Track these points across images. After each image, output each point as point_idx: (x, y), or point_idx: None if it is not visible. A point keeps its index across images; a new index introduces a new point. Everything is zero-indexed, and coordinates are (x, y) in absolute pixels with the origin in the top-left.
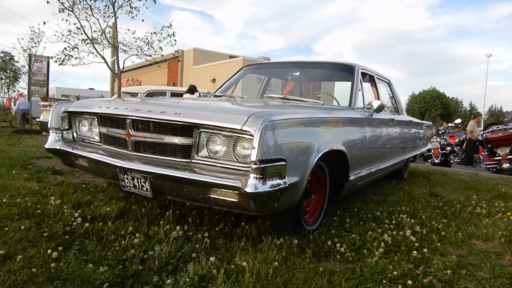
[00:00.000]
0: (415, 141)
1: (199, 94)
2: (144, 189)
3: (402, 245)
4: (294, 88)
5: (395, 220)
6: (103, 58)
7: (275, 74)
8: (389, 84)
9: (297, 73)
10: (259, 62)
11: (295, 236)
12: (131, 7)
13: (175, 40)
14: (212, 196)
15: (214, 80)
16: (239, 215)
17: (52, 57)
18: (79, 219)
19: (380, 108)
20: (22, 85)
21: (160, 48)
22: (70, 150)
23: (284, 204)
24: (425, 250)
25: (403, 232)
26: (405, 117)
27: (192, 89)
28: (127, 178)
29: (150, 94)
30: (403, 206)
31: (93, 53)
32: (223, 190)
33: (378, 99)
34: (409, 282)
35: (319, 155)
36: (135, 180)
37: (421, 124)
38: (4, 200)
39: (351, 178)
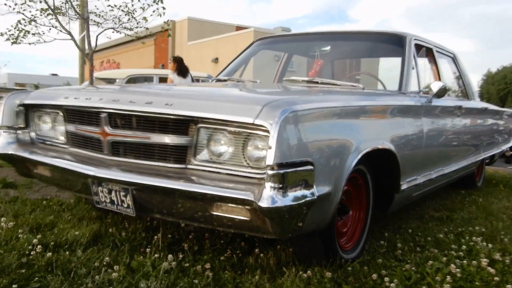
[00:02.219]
0: (492, 136)
1: (191, 77)
2: (125, 205)
3: (476, 279)
4: (323, 68)
5: (466, 244)
6: (69, 33)
7: (298, 50)
8: (454, 60)
9: (328, 48)
10: (276, 35)
11: (327, 267)
12: None
13: (163, 8)
14: (215, 213)
15: (216, 60)
16: (251, 239)
17: (1, 34)
18: (39, 247)
19: (442, 92)
20: None
21: (145, 19)
22: (27, 155)
23: (312, 224)
24: (508, 286)
25: (477, 262)
26: (477, 103)
27: (178, 63)
28: (102, 191)
29: (132, 80)
30: (476, 225)
31: (56, 27)
32: (230, 205)
33: (439, 80)
34: None
35: (359, 156)
36: (113, 193)
37: (501, 112)
38: None
39: (403, 187)
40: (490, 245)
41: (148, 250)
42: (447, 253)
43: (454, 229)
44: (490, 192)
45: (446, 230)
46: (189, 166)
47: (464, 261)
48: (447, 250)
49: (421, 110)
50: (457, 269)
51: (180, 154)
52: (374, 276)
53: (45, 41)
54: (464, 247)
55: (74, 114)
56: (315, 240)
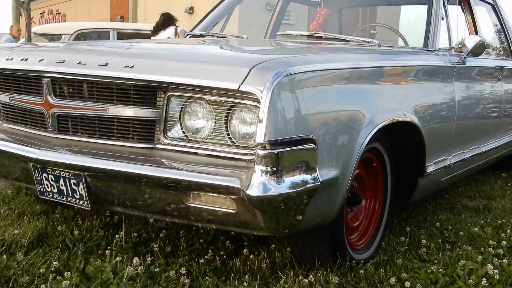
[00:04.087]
0: None
1: (176, 31)
2: (77, 196)
3: None
4: (329, 19)
5: (507, 240)
6: None
7: None
8: (494, 8)
9: None
10: None
11: (334, 271)
12: None
13: None
14: (192, 205)
15: (191, 10)
16: (238, 237)
17: None
18: None
19: (480, 49)
20: None
21: None
22: None
23: (315, 217)
24: None
25: None
26: None
27: (160, 23)
28: (47, 179)
29: (82, 36)
30: None
31: None
32: (211, 194)
33: (476, 33)
34: None
35: (374, 131)
36: (61, 181)
37: None
38: None
39: (430, 170)
40: None
41: (107, 252)
42: (483, 251)
43: (493, 222)
44: None
45: (483, 223)
46: (158, 146)
47: (504, 260)
48: (483, 247)
49: (453, 72)
50: (495, 270)
51: (146, 130)
52: (392, 280)
53: None
54: (504, 243)
55: (6, 81)
56: (319, 237)
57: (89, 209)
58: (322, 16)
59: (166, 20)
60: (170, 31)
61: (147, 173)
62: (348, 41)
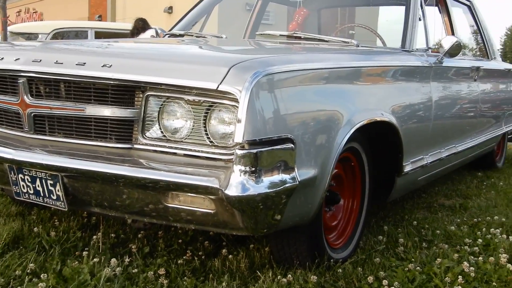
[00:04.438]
0: None
1: (157, 33)
2: (54, 197)
3: (493, 279)
4: (308, 19)
5: (482, 238)
6: None
7: None
8: (471, 9)
9: None
10: None
11: (312, 270)
12: None
13: None
14: (170, 205)
15: (170, 9)
16: (217, 237)
17: None
18: None
19: (456, 50)
20: None
21: None
22: None
23: (294, 217)
24: None
25: (495, 258)
26: (499, 64)
27: (140, 27)
28: (23, 180)
29: (60, 35)
30: (495, 214)
31: None
32: (189, 194)
33: (452, 34)
34: None
35: (352, 131)
36: (38, 182)
37: None
38: None
39: (407, 169)
40: (511, 238)
41: (85, 253)
42: (459, 249)
43: (469, 220)
44: None
45: (459, 221)
46: (136, 146)
47: (480, 258)
48: (460, 245)
49: (430, 72)
50: (471, 268)
51: (124, 130)
52: (370, 278)
53: None
54: (480, 241)
55: None
56: (297, 237)
57: (66, 210)
58: (301, 17)
59: (146, 24)
60: (150, 33)
61: (125, 173)
62: (327, 41)
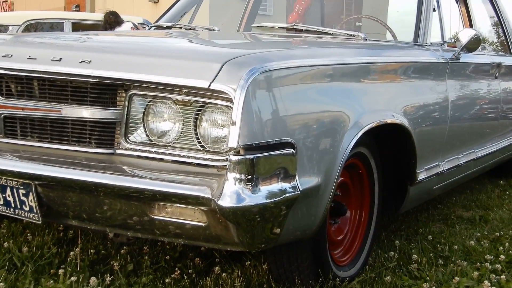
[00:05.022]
0: None
1: (135, 26)
2: (26, 208)
3: None
4: (309, 10)
5: (505, 254)
6: None
7: None
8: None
9: None
10: None
11: None
12: None
13: None
14: (157, 217)
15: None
16: (209, 253)
17: None
18: None
19: (475, 44)
20: None
21: None
22: None
23: (295, 230)
24: None
25: None
26: None
27: (112, 21)
28: None
29: (33, 27)
30: None
31: None
32: (178, 205)
33: (471, 26)
34: None
35: (359, 134)
36: (8, 191)
37: None
38: None
39: (421, 177)
40: None
41: (61, 271)
42: (479, 266)
43: (490, 234)
44: None
45: (479, 236)
46: (118, 151)
47: (502, 277)
48: (480, 262)
49: (446, 69)
50: (493, 287)
51: (105, 134)
52: None
53: None
54: (502, 257)
55: None
56: (299, 253)
57: (40, 222)
58: (302, 7)
59: (118, 17)
60: (127, 26)
61: (106, 181)
62: (331, 34)
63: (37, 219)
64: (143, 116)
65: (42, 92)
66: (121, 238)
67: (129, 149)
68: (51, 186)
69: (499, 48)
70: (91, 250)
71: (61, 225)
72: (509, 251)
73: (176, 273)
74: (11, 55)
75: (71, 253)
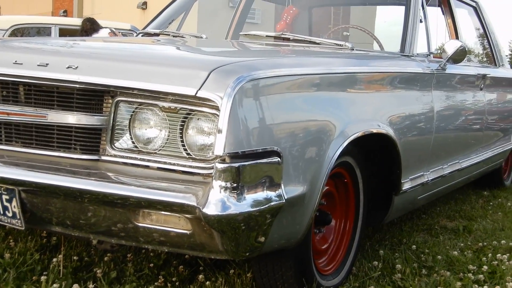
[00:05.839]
0: None
1: (113, 32)
2: (9, 214)
3: None
4: (297, 19)
5: (488, 264)
6: None
7: None
8: (476, 11)
9: None
10: None
11: None
12: None
13: None
14: (141, 225)
15: (144, 5)
16: (193, 261)
17: None
18: None
19: (461, 55)
20: None
21: None
22: None
23: (279, 239)
24: None
25: (501, 287)
26: (507, 71)
27: (88, 28)
28: None
29: (19, 32)
30: (502, 238)
31: None
32: (162, 213)
33: (457, 38)
34: None
35: (345, 144)
36: None
37: None
38: None
39: (406, 187)
40: None
41: (43, 278)
42: (462, 277)
43: (473, 244)
44: None
45: (463, 246)
46: (104, 158)
47: (485, 287)
48: (463, 272)
49: (431, 80)
50: None
51: (90, 140)
52: None
53: None
54: (485, 267)
55: None
56: (283, 261)
57: (23, 229)
58: (290, 16)
59: (94, 24)
60: (104, 32)
61: (90, 188)
62: (318, 43)
63: (20, 225)
64: (129, 122)
65: (28, 97)
66: (104, 245)
67: (115, 156)
68: (35, 192)
69: (485, 59)
70: (74, 257)
71: (44, 232)
72: (492, 262)
73: (159, 281)
74: None
75: (54, 259)
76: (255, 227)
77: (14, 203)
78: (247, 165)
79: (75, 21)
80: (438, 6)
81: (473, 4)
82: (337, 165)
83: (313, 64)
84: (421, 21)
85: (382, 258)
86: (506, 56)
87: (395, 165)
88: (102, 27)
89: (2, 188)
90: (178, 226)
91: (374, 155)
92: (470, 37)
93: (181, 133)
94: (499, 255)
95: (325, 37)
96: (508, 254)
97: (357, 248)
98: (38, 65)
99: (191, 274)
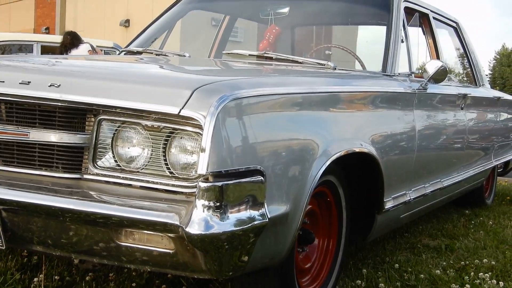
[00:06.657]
0: (506, 136)
1: (93, 49)
2: None
3: None
4: (280, 38)
5: (470, 283)
6: None
7: (244, 11)
8: (457, 31)
9: (286, 10)
10: None
11: None
12: None
13: None
14: (123, 244)
15: (127, 23)
16: (176, 280)
17: None
18: None
19: (441, 75)
20: None
21: None
22: None
23: (263, 258)
24: None
25: None
26: (487, 91)
27: (68, 42)
28: None
29: (1, 49)
30: (484, 257)
31: None
32: (145, 232)
33: (438, 58)
34: None
35: (328, 163)
36: None
37: None
38: None
39: (388, 205)
40: (501, 283)
41: None
42: None
43: (455, 263)
44: (504, 212)
45: (445, 264)
46: (86, 176)
47: None
48: None
49: (413, 99)
50: None
51: (72, 158)
52: None
53: None
54: (467, 286)
55: None
56: (267, 281)
57: (4, 248)
58: (273, 35)
59: (75, 39)
60: (84, 48)
61: (72, 207)
62: (301, 62)
63: (1, 244)
64: (112, 141)
65: (10, 115)
66: (86, 265)
67: (97, 174)
68: (16, 211)
69: (465, 79)
70: (56, 277)
71: (25, 251)
72: (474, 280)
73: None
74: None
75: (35, 279)
76: (239, 246)
77: None
78: (230, 184)
79: (57, 39)
80: (419, 26)
81: (454, 24)
82: (320, 184)
83: (296, 84)
84: (402, 41)
85: (365, 277)
86: (487, 75)
87: (377, 184)
88: (83, 42)
89: None
90: (161, 245)
91: (357, 174)
92: (450, 57)
93: (164, 152)
94: (481, 273)
95: (308, 56)
96: (490, 273)
97: (340, 267)
98: (20, 83)
99: None
